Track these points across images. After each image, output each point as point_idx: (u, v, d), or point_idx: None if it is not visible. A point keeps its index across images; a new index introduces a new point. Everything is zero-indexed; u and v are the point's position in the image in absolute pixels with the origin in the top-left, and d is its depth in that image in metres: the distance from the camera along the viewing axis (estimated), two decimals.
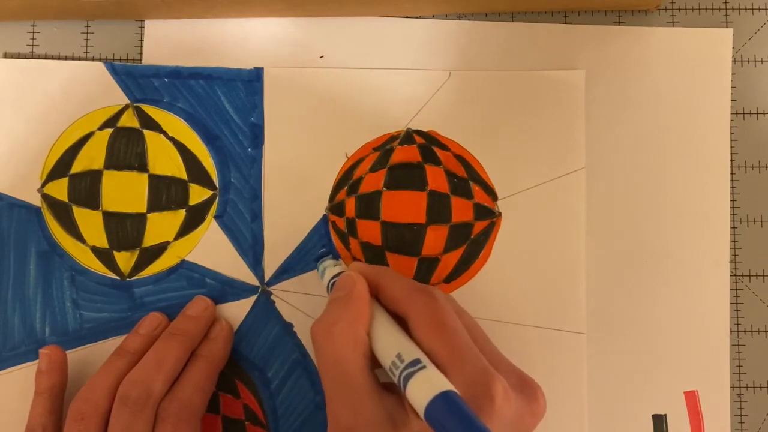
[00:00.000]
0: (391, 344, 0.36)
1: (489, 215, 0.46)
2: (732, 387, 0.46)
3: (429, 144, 0.46)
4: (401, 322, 0.38)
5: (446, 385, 0.33)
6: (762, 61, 0.48)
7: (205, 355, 0.43)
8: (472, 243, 0.45)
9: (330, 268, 0.43)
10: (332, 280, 0.42)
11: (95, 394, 0.41)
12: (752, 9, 0.48)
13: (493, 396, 0.34)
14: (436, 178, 0.46)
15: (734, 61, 0.47)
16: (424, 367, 0.34)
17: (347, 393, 0.36)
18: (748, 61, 0.48)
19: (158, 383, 0.41)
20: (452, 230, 0.45)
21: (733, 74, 0.47)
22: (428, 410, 0.32)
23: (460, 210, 0.45)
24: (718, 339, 0.46)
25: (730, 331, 0.46)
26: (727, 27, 0.48)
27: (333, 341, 0.37)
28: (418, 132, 0.46)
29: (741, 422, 0.46)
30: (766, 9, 0.48)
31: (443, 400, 0.32)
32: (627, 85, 0.47)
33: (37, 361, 0.44)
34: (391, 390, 0.36)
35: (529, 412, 0.36)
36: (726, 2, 0.48)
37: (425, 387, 0.33)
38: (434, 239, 0.45)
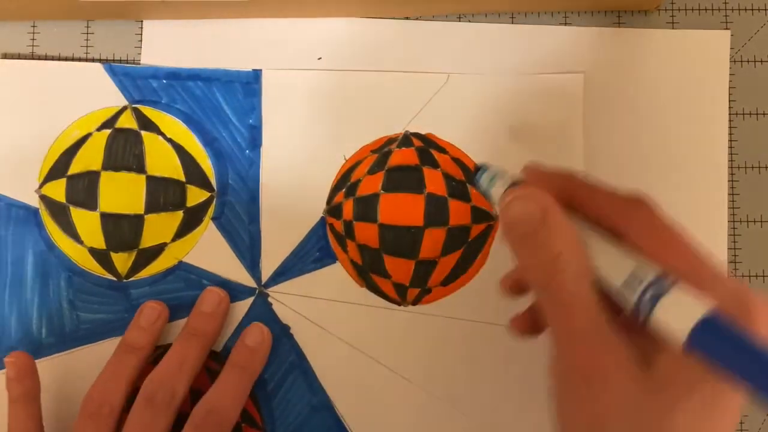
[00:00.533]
0: (619, 262, 0.29)
1: (486, 218, 0.46)
2: None
3: (427, 147, 0.46)
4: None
5: (706, 305, 0.26)
6: (761, 61, 0.48)
7: (246, 367, 0.43)
8: (469, 246, 0.45)
9: (500, 179, 0.34)
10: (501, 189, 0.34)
11: (109, 393, 0.41)
12: (751, 10, 0.48)
13: (754, 309, 0.28)
14: (434, 181, 0.45)
15: (734, 61, 0.47)
16: (675, 283, 0.28)
17: (589, 332, 0.29)
18: (748, 61, 0.48)
19: (181, 384, 0.41)
20: (450, 233, 0.45)
21: (732, 75, 0.47)
22: (694, 336, 0.26)
23: (458, 213, 0.45)
24: None
25: None
26: (726, 28, 0.48)
27: (564, 284, 0.30)
28: (416, 135, 0.46)
29: (741, 422, 0.46)
30: (765, 9, 0.48)
31: (712, 323, 0.26)
32: (626, 86, 0.47)
33: (35, 361, 0.45)
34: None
35: None
36: (726, 3, 0.48)
37: (684, 308, 0.27)
38: (432, 242, 0.45)
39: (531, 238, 0.30)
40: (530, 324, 0.37)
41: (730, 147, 0.47)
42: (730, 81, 0.47)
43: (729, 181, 0.47)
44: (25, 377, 0.43)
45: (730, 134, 0.47)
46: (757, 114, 0.47)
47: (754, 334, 0.26)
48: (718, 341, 0.26)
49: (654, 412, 0.28)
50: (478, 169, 0.35)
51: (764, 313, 0.28)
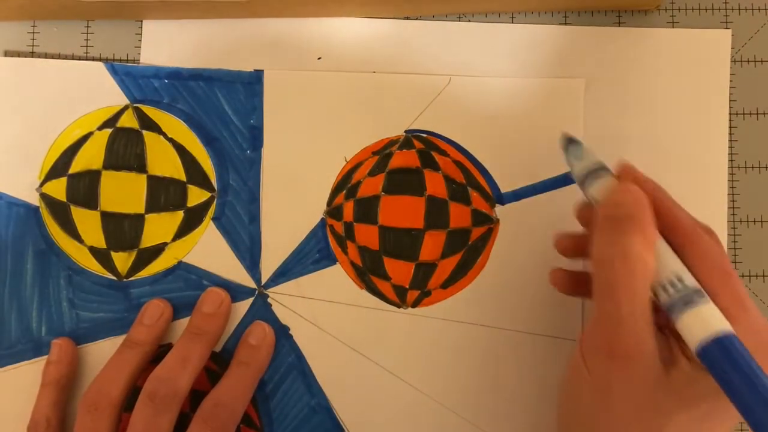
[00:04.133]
0: (672, 264, 0.33)
1: (487, 221, 0.46)
2: None
3: (428, 149, 0.46)
4: None
5: (729, 328, 0.30)
6: (762, 61, 0.48)
7: (249, 363, 0.44)
8: (469, 249, 0.45)
9: (588, 156, 0.38)
10: (590, 172, 0.37)
11: (108, 386, 0.41)
12: (752, 9, 0.48)
13: None
14: (435, 184, 0.45)
15: (734, 61, 0.47)
16: (708, 301, 0.32)
17: (634, 319, 0.32)
18: (748, 61, 0.48)
19: (184, 382, 0.41)
20: (450, 236, 0.45)
21: (732, 74, 0.47)
22: (707, 348, 0.30)
23: (458, 216, 0.45)
24: None
25: None
26: (727, 27, 0.48)
27: (629, 262, 0.33)
28: (418, 137, 0.46)
29: (741, 422, 0.46)
30: (766, 9, 0.48)
31: (726, 342, 0.30)
32: (626, 86, 0.47)
33: (33, 359, 0.45)
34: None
35: None
36: (726, 2, 0.48)
37: (707, 322, 0.31)
38: (432, 244, 0.45)
39: (624, 223, 0.34)
40: (569, 284, 0.41)
41: (730, 147, 0.47)
42: (730, 81, 0.47)
43: (729, 181, 0.47)
44: (63, 363, 0.44)
45: (730, 134, 0.47)
46: (757, 114, 0.47)
47: (756, 358, 0.29)
48: (725, 360, 0.29)
49: (661, 408, 0.32)
50: (571, 141, 0.39)
51: None
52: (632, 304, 0.33)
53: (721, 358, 0.30)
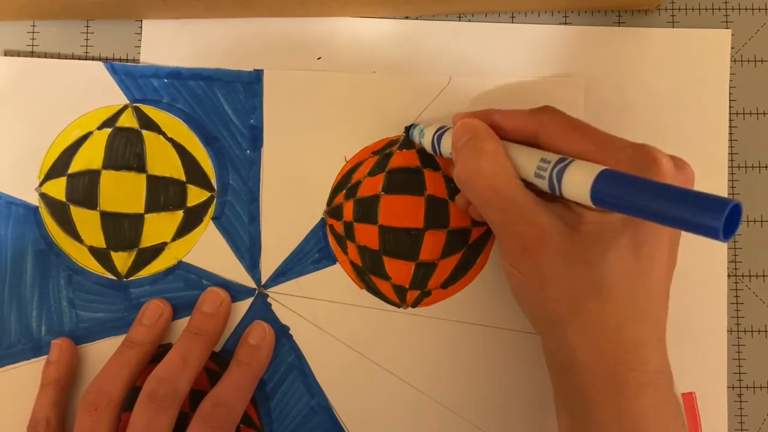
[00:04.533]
0: (532, 154, 0.37)
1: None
2: (732, 387, 0.46)
3: None
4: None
5: (600, 166, 0.32)
6: (762, 61, 0.48)
7: (249, 363, 0.44)
8: (469, 249, 0.45)
9: (428, 127, 0.44)
10: (437, 133, 0.42)
11: (108, 386, 0.41)
12: (752, 9, 0.48)
13: (658, 159, 0.34)
14: (435, 183, 0.45)
15: (734, 61, 0.47)
16: (573, 160, 0.34)
17: (518, 212, 0.36)
18: (748, 61, 0.48)
19: (183, 382, 0.41)
20: (450, 235, 0.45)
21: (732, 74, 0.47)
22: (594, 190, 0.32)
23: (459, 215, 0.45)
24: (716, 341, 0.46)
25: (730, 331, 0.46)
26: (727, 27, 0.48)
27: (484, 174, 0.37)
28: None
29: (741, 422, 0.46)
30: (766, 9, 0.48)
31: (606, 176, 0.32)
32: (626, 86, 0.47)
33: (33, 359, 0.45)
34: (551, 201, 0.37)
35: (684, 179, 0.36)
36: (726, 2, 0.48)
37: (582, 173, 0.33)
38: (432, 244, 0.45)
39: (467, 147, 0.38)
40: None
41: (730, 147, 0.47)
42: (730, 80, 0.47)
43: (729, 180, 0.47)
44: (62, 363, 0.44)
45: (730, 134, 0.47)
46: (757, 114, 0.47)
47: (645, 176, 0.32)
48: (612, 190, 0.31)
49: (588, 261, 0.35)
50: (408, 128, 0.46)
51: (664, 155, 0.34)
52: (504, 201, 0.36)
53: (609, 191, 0.31)
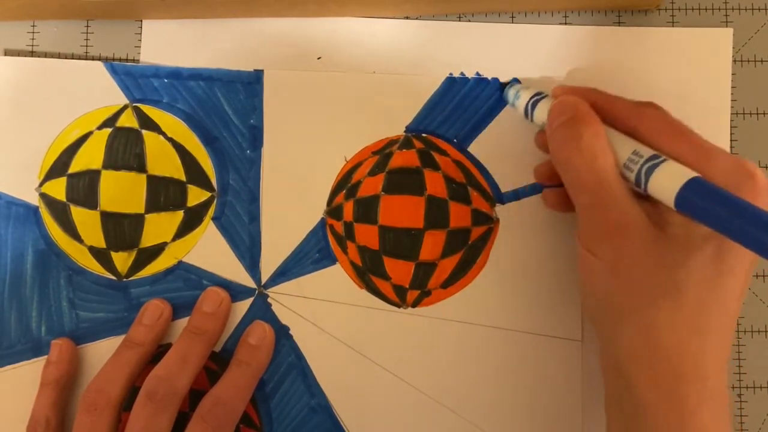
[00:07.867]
0: (626, 143, 0.36)
1: (486, 221, 0.46)
2: (732, 387, 0.46)
3: (428, 149, 0.46)
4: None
5: (692, 173, 0.32)
6: (762, 61, 0.48)
7: (249, 363, 0.44)
8: (469, 248, 0.45)
9: (524, 90, 0.44)
10: (533, 99, 0.42)
11: (107, 385, 0.41)
12: (752, 9, 0.48)
13: (754, 174, 0.34)
14: (435, 183, 0.45)
15: (734, 61, 0.47)
16: (665, 160, 0.34)
17: (611, 198, 0.36)
18: (748, 61, 0.48)
19: (183, 381, 0.41)
20: (450, 235, 0.45)
21: (733, 74, 0.47)
22: (680, 196, 0.31)
23: (458, 215, 0.45)
24: None
25: None
26: (727, 27, 0.48)
27: (585, 155, 0.36)
28: (418, 137, 0.46)
29: (741, 422, 0.46)
30: (766, 9, 0.48)
31: (695, 184, 0.31)
32: (627, 85, 0.47)
33: (33, 359, 0.45)
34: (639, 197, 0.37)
35: None
36: (726, 2, 0.48)
37: (672, 175, 0.32)
38: (432, 244, 0.45)
39: (569, 124, 0.37)
40: (551, 176, 0.43)
41: (731, 147, 0.47)
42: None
43: None
44: (62, 363, 0.44)
45: (731, 134, 0.47)
46: (757, 113, 0.47)
47: (738, 192, 0.32)
48: (698, 200, 0.31)
49: (669, 263, 0.34)
50: (506, 84, 0.46)
51: (762, 177, 0.34)
52: (600, 185, 0.36)
53: (695, 200, 0.31)
